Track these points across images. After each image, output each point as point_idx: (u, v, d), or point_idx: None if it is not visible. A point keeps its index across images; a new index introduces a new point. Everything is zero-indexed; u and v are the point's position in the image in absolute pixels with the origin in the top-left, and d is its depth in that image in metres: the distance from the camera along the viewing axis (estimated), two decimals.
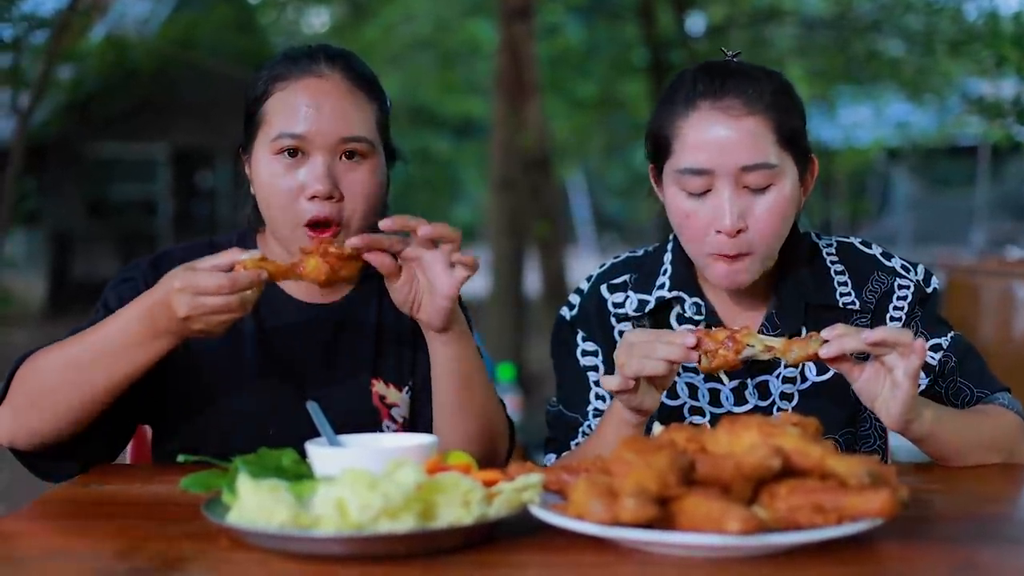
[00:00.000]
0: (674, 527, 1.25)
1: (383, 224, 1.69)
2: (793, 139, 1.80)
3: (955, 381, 1.89)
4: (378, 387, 1.93)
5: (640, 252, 2.02)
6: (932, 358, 1.89)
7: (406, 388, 1.95)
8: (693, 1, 10.13)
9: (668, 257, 1.95)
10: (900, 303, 1.90)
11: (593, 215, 27.99)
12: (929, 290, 1.93)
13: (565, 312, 2.00)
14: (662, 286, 1.92)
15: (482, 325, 8.09)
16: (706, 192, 1.78)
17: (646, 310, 1.93)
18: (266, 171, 1.84)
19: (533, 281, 10.09)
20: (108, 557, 1.32)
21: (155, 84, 12.44)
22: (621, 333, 1.93)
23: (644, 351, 1.63)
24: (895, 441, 2.00)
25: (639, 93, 12.08)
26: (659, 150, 1.84)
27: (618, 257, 2.03)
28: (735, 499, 1.28)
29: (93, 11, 9.23)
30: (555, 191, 10.32)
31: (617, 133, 16.21)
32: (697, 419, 1.89)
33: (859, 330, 1.60)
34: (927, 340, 1.89)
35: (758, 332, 1.86)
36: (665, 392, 1.83)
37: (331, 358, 1.92)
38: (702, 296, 1.91)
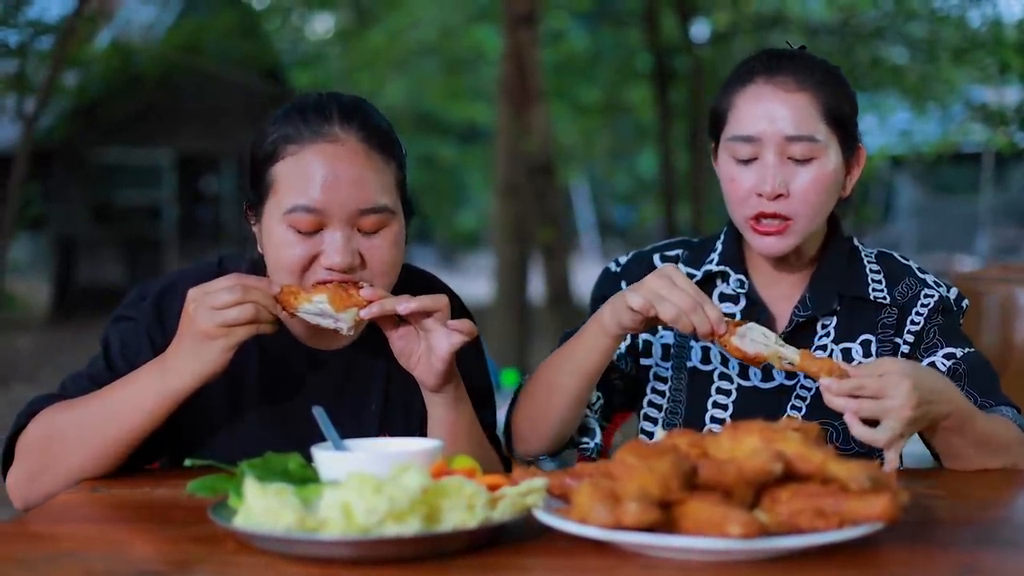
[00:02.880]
0: (676, 531, 1.26)
1: (363, 293, 1.68)
2: (840, 121, 1.90)
3: (962, 387, 1.90)
4: None
5: (696, 240, 2.12)
6: (943, 364, 1.93)
7: None
8: (697, 7, 10.14)
9: (721, 239, 2.05)
10: (922, 309, 1.97)
11: (597, 221, 28.00)
12: (955, 308, 2.00)
13: (612, 266, 2.10)
14: (711, 261, 2.02)
15: (486, 330, 8.08)
16: (753, 160, 1.88)
17: (693, 282, 1.99)
18: (278, 239, 1.73)
19: (537, 286, 10.10)
20: (115, 560, 1.33)
21: (160, 89, 12.47)
22: None
23: (679, 299, 1.73)
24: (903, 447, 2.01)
25: (644, 99, 12.11)
26: (717, 123, 1.96)
27: (673, 239, 2.14)
28: (737, 503, 1.29)
29: (98, 17, 9.26)
30: (559, 197, 10.33)
31: (622, 139, 16.23)
32: (725, 384, 1.97)
33: (855, 386, 1.64)
34: (942, 347, 1.95)
35: (792, 311, 1.94)
36: (699, 356, 1.98)
37: (337, 413, 1.77)
38: (746, 274, 2.00)
